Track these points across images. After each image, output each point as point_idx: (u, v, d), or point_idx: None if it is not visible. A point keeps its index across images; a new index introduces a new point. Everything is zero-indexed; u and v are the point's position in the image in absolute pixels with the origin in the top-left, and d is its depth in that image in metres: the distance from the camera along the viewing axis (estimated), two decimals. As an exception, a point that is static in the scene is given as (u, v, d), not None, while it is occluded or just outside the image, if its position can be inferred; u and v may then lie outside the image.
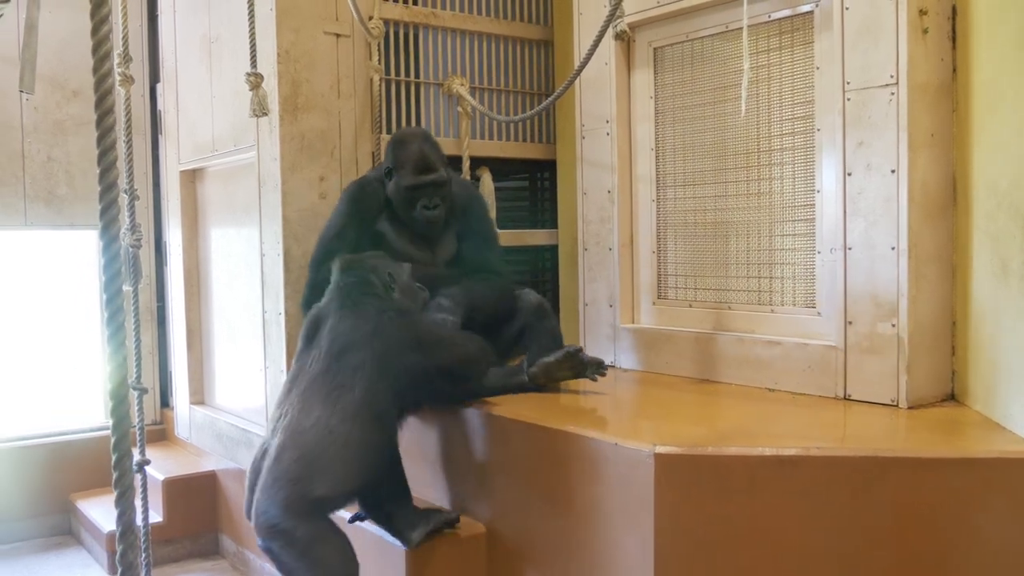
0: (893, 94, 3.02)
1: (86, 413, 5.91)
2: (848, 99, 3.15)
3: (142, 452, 3.70)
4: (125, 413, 1.56)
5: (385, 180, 3.67)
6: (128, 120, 3.66)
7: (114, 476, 1.54)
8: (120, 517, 1.54)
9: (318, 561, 2.79)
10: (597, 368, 3.40)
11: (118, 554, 1.55)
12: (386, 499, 3.14)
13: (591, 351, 4.21)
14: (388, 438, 2.99)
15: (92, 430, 5.85)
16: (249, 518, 2.91)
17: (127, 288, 3.74)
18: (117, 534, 1.57)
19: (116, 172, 1.58)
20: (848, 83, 3.15)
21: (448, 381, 3.21)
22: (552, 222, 4.90)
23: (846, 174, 3.17)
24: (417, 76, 4.46)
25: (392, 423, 3.00)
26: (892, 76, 3.02)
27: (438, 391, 3.29)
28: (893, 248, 3.04)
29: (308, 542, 2.79)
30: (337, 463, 2.81)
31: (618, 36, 3.95)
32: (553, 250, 4.91)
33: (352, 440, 2.83)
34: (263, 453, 2.93)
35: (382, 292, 3.09)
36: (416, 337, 3.03)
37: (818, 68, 3.34)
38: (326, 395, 2.89)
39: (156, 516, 5.24)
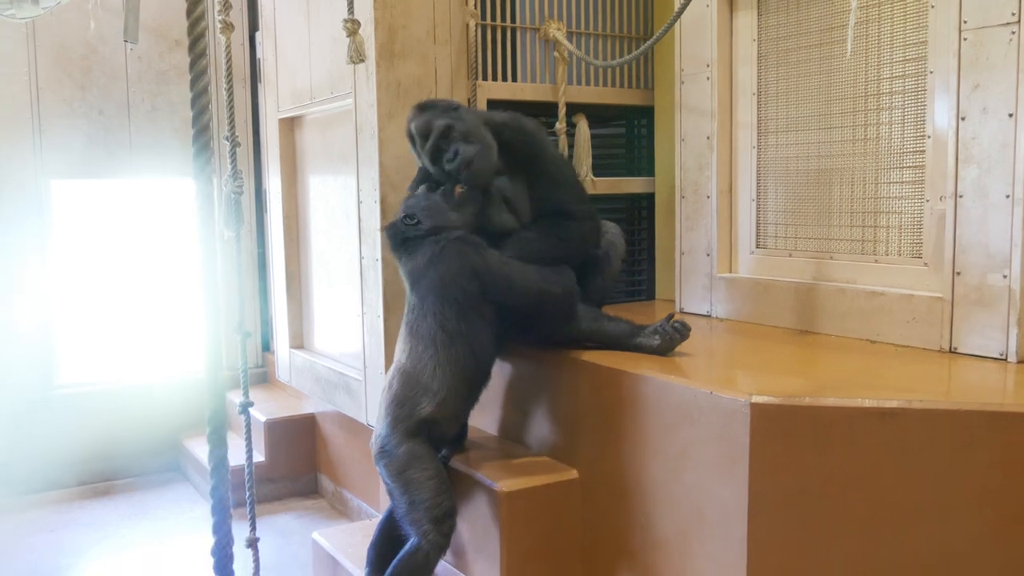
0: (1014, 33, 2.88)
1: (194, 355, 6.08)
2: (964, 39, 3.01)
3: (245, 394, 3.78)
4: (218, 348, 1.62)
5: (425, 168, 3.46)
6: (228, 68, 3.69)
7: (207, 415, 1.60)
8: (211, 454, 1.60)
9: (411, 482, 3.05)
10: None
11: (211, 487, 1.62)
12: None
13: (687, 300, 4.17)
14: (471, 351, 3.13)
15: (199, 372, 6.01)
16: None
17: (229, 234, 3.80)
18: (210, 466, 1.63)
19: (209, 115, 1.61)
20: (965, 22, 3.01)
21: (528, 317, 3.27)
22: (649, 169, 4.83)
23: (959, 118, 3.04)
24: (513, 21, 4.41)
25: (471, 336, 3.13)
26: (1013, 14, 2.87)
27: (524, 326, 3.33)
28: (1008, 196, 2.91)
29: (406, 462, 3.06)
30: (434, 382, 3.09)
31: (720, -24, 3.86)
32: (650, 198, 4.85)
33: (440, 361, 3.09)
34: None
35: (417, 237, 3.21)
36: (472, 268, 3.12)
37: (932, 7, 3.19)
38: (410, 327, 3.16)
39: (258, 456, 5.39)
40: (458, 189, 3.26)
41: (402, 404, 3.11)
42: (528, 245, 3.32)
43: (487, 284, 3.12)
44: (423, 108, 3.40)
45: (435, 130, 3.29)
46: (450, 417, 3.18)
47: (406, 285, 3.26)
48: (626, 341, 3.22)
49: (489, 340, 3.19)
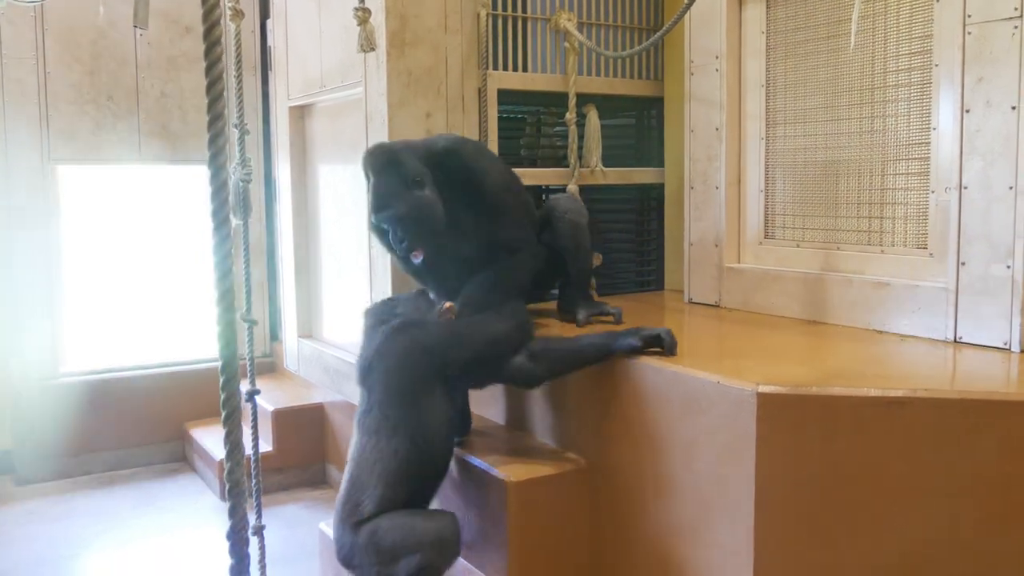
0: (1016, 27, 2.89)
1: (200, 344, 6.09)
2: (969, 33, 3.03)
3: (252, 382, 3.80)
4: (232, 337, 1.62)
5: None
6: (238, 55, 3.70)
7: (221, 398, 1.60)
8: (227, 436, 1.61)
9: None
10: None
11: (226, 471, 1.62)
12: None
13: (696, 291, 4.19)
14: (411, 442, 2.99)
15: (206, 361, 6.03)
16: None
17: (237, 222, 3.82)
18: (225, 452, 1.64)
19: (223, 103, 1.62)
20: (969, 16, 3.02)
21: (485, 366, 3.15)
22: (659, 160, 4.84)
23: (964, 111, 3.05)
24: (524, 11, 4.42)
25: (414, 425, 2.99)
26: (1016, 9, 2.89)
27: (484, 376, 3.25)
28: (1011, 188, 2.93)
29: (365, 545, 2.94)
30: (373, 479, 2.98)
31: (730, -32, 3.87)
32: (659, 188, 4.86)
33: (380, 456, 2.98)
34: None
35: (387, 317, 3.20)
36: (422, 346, 3.04)
37: (938, 1, 3.21)
38: (358, 420, 3.08)
39: (266, 446, 5.41)
40: (448, 306, 3.24)
41: (345, 503, 3.03)
42: (477, 301, 3.34)
43: (440, 354, 3.04)
44: (372, 167, 3.35)
45: (387, 213, 3.29)
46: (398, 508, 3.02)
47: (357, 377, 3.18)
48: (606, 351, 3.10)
49: (436, 428, 3.05)
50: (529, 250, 3.58)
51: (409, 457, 2.98)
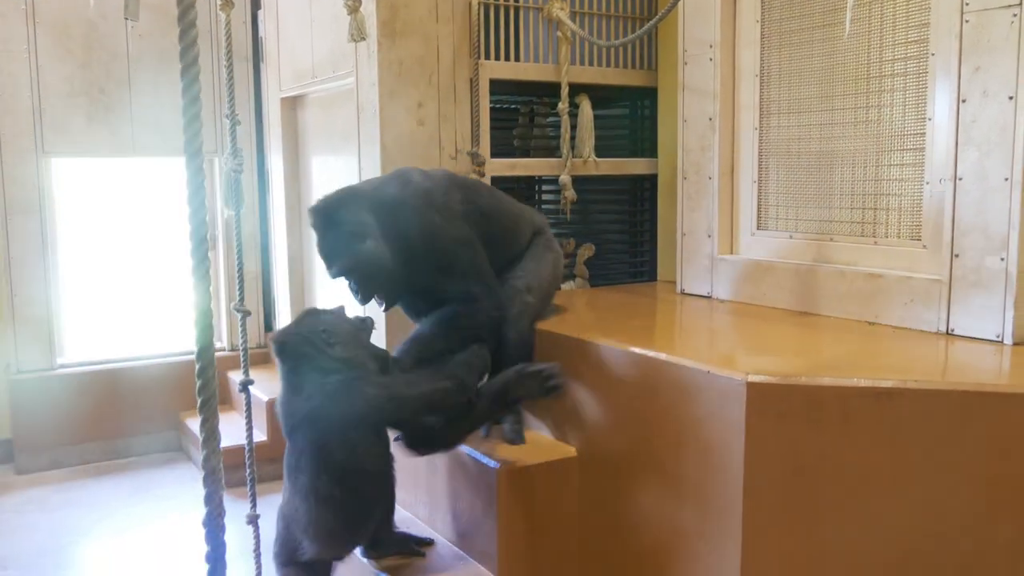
0: (1015, 15, 2.86)
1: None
2: (966, 21, 3.00)
3: (245, 372, 3.78)
4: (208, 324, 1.62)
5: None
6: (228, 46, 3.67)
7: (197, 384, 1.59)
8: (203, 424, 1.60)
9: None
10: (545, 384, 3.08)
11: (201, 458, 1.61)
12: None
13: (688, 281, 4.17)
14: (333, 515, 2.95)
15: (201, 351, 6.01)
16: None
17: (230, 213, 3.80)
18: (201, 439, 1.63)
19: (199, 86, 1.61)
20: (967, 4, 3.00)
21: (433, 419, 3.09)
22: (652, 151, 4.82)
23: (960, 101, 3.03)
24: (516, 0, 4.39)
25: (344, 500, 2.93)
26: (1015, -4, 2.87)
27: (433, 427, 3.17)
28: (1007, 179, 2.91)
29: None
30: (305, 536, 3.00)
31: (723, -44, 3.85)
32: (652, 179, 4.84)
33: (311, 519, 2.96)
34: None
35: (321, 358, 2.96)
36: (356, 414, 2.91)
37: (935, -11, 3.19)
38: (288, 470, 3.02)
39: (260, 435, 5.40)
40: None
41: (284, 544, 3.07)
42: (429, 344, 3.26)
43: (376, 417, 2.95)
44: (313, 225, 3.27)
45: (334, 268, 3.25)
46: (335, 555, 3.11)
47: (281, 422, 3.05)
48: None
49: (365, 495, 3.01)
50: (488, 299, 3.32)
51: (329, 522, 2.96)
